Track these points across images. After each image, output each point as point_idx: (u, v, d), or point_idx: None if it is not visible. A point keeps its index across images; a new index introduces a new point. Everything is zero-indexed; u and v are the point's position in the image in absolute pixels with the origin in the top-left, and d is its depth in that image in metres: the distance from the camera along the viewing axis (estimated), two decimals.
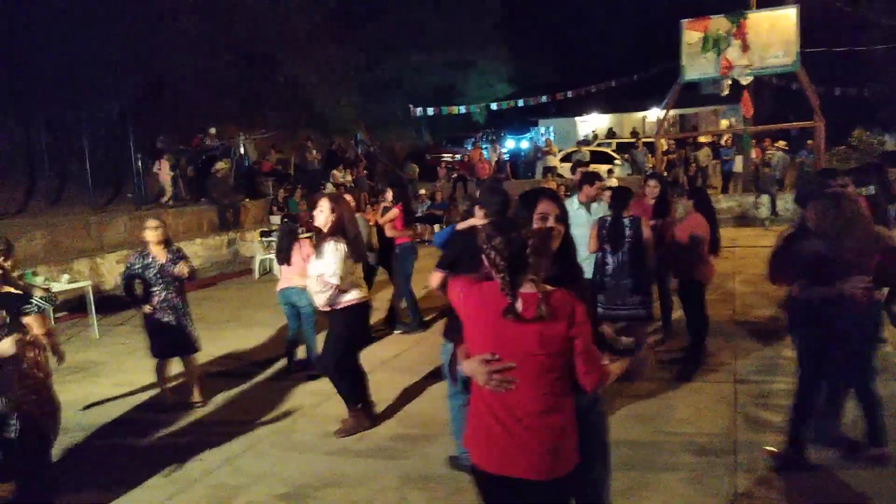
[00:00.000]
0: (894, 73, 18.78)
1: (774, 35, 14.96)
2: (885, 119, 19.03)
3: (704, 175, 18.16)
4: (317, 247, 4.48)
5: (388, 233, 7.13)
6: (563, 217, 2.52)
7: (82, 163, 12.55)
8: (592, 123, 28.67)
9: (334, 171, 17.31)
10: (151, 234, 5.02)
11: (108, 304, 8.75)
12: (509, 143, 28.81)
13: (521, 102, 19.55)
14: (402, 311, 7.39)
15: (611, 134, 26.38)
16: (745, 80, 15.29)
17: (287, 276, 5.72)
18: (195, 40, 16.23)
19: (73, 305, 8.64)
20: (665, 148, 18.40)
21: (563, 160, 20.22)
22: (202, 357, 6.33)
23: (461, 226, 3.93)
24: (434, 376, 5.64)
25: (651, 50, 21.16)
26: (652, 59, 19.46)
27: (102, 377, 6.08)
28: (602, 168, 16.56)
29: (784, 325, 4.99)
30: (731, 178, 17.52)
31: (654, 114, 24.50)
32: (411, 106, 20.05)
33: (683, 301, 5.81)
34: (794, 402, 3.82)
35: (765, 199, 15.55)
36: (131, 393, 5.59)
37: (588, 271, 4.92)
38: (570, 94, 19.05)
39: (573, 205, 5.40)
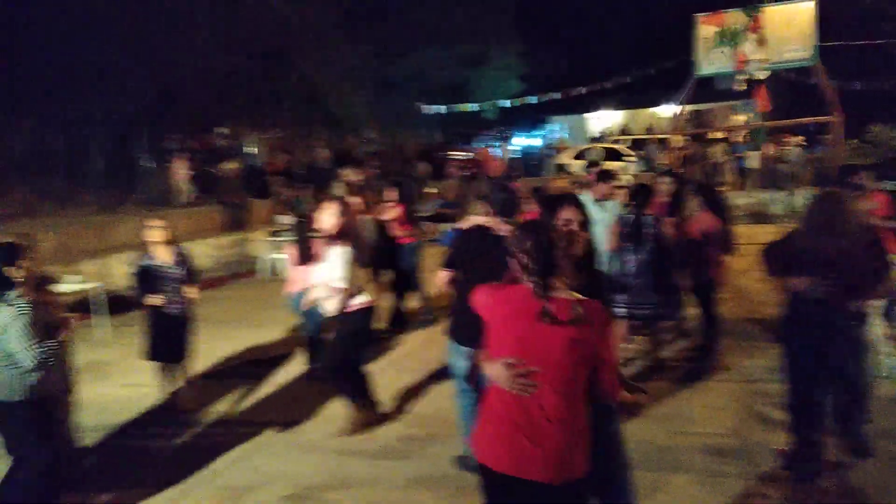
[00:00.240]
0: None
1: (791, 29, 14.74)
2: None
3: (719, 171, 17.92)
4: (325, 250, 4.42)
5: (392, 232, 7.08)
6: (586, 224, 2.51)
7: (92, 164, 12.61)
8: (605, 120, 28.46)
9: (344, 171, 17.28)
10: (155, 233, 4.95)
11: (118, 304, 8.76)
12: (521, 141, 28.67)
13: (532, 100, 19.47)
14: (417, 310, 7.37)
15: (624, 131, 26.17)
16: (761, 75, 15.08)
17: (300, 279, 5.65)
18: (207, 40, 16.29)
19: (83, 306, 8.66)
20: (679, 144, 18.20)
21: (575, 157, 20.08)
22: (209, 358, 6.35)
23: (463, 225, 3.92)
24: (440, 377, 5.57)
25: (664, 45, 20.94)
26: (665, 54, 19.26)
27: (111, 378, 6.08)
28: (615, 165, 16.42)
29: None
30: (747, 175, 17.28)
31: (667, 110, 24.27)
32: (422, 104, 20.04)
33: (697, 300, 5.69)
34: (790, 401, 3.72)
35: (780, 195, 15.31)
36: (140, 393, 5.57)
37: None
38: (582, 90, 18.93)
39: (587, 202, 5.33)
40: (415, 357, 6.29)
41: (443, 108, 19.47)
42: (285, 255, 7.37)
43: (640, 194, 5.20)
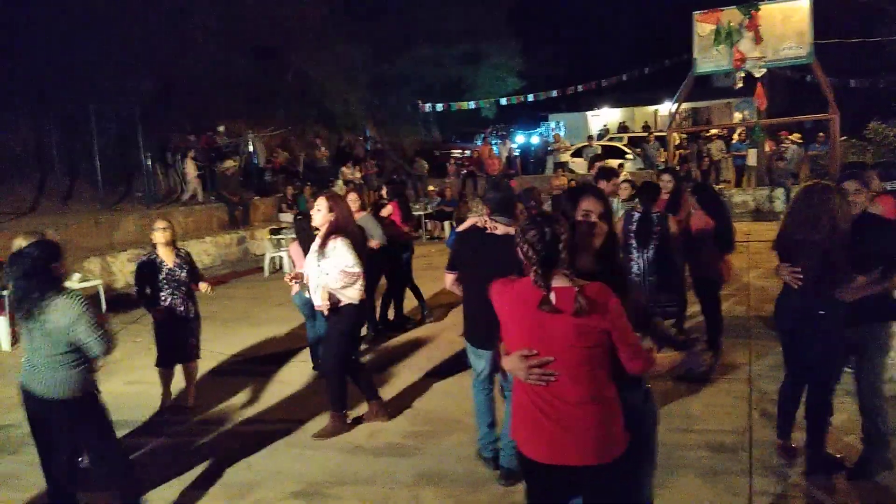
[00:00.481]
0: None
1: (788, 26, 14.76)
2: None
3: (717, 169, 17.97)
4: (321, 247, 4.43)
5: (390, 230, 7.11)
6: (606, 215, 2.50)
7: (92, 161, 12.59)
8: (603, 118, 28.48)
9: (343, 168, 17.31)
10: (160, 235, 4.97)
11: (120, 302, 8.77)
12: (519, 139, 28.68)
13: (531, 97, 19.45)
14: (415, 308, 7.41)
15: (622, 128, 26.18)
16: (758, 73, 15.10)
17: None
18: (206, 38, 16.25)
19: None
20: (677, 142, 18.23)
21: (574, 155, 20.10)
22: (214, 355, 6.37)
23: (460, 227, 3.96)
24: (443, 374, 5.61)
25: (662, 43, 20.96)
26: (663, 52, 19.27)
27: (114, 375, 6.08)
28: (613, 163, 16.45)
29: None
30: (745, 172, 17.33)
31: (666, 107, 24.28)
32: (420, 102, 20.00)
33: (699, 298, 5.72)
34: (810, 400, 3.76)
35: (779, 192, 15.36)
36: (143, 391, 5.59)
37: None
38: (580, 88, 18.92)
39: None
40: (419, 355, 6.32)
41: (440, 106, 19.41)
42: (287, 252, 7.41)
43: (647, 191, 5.22)
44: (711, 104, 26.31)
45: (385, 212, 7.30)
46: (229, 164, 14.17)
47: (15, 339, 7.49)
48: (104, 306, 7.91)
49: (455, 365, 5.65)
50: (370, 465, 4.11)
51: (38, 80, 12.90)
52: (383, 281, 7.25)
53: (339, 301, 4.44)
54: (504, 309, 2.35)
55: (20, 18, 12.71)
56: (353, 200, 6.71)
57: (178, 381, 5.30)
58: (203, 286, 5.15)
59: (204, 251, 12.20)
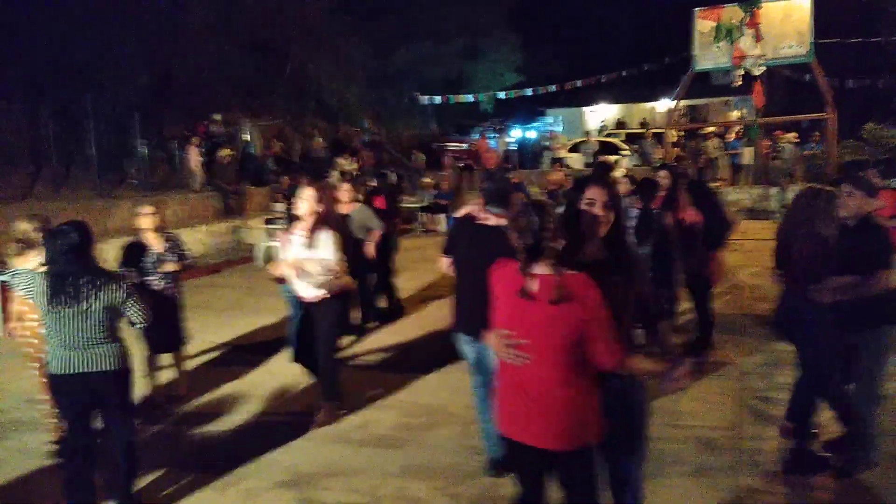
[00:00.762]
0: None
1: (788, 25, 14.74)
2: None
3: (714, 167, 17.97)
4: (311, 238, 4.41)
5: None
6: (611, 204, 2.50)
7: (87, 148, 12.51)
8: (601, 113, 28.45)
9: (339, 160, 17.25)
10: (146, 220, 4.89)
11: None
12: (516, 133, 28.62)
13: (529, 91, 19.40)
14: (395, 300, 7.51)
15: (620, 124, 26.16)
16: (757, 71, 15.09)
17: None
18: (203, 27, 16.14)
19: None
20: (674, 139, 18.22)
21: (571, 150, 20.07)
22: (203, 345, 6.35)
23: (457, 214, 3.98)
24: (436, 366, 5.60)
25: (661, 39, 20.91)
26: (662, 48, 19.23)
27: None
28: (610, 159, 16.43)
29: None
30: (741, 171, 17.34)
31: (663, 104, 24.28)
32: (418, 94, 19.94)
33: (691, 295, 5.72)
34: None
35: (774, 191, 15.37)
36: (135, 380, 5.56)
37: None
38: (578, 83, 18.89)
39: None
40: (408, 348, 6.32)
41: (439, 99, 19.36)
42: (279, 242, 7.37)
43: (647, 188, 5.20)
44: (709, 102, 26.32)
45: (374, 204, 7.30)
46: (225, 153, 14.11)
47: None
48: None
49: (446, 357, 5.64)
50: (359, 457, 4.11)
51: (34, 67, 12.80)
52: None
53: (331, 292, 4.43)
54: (495, 289, 2.47)
55: (17, 7, 12.59)
56: (346, 191, 6.69)
57: (167, 371, 5.27)
58: (171, 265, 4.92)
59: (198, 240, 12.15)
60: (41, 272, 3.33)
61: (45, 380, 4.10)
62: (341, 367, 4.88)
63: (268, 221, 11.96)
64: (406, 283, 8.75)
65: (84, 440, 3.36)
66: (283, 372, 5.66)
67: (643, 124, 24.46)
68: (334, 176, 15.28)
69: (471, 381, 3.89)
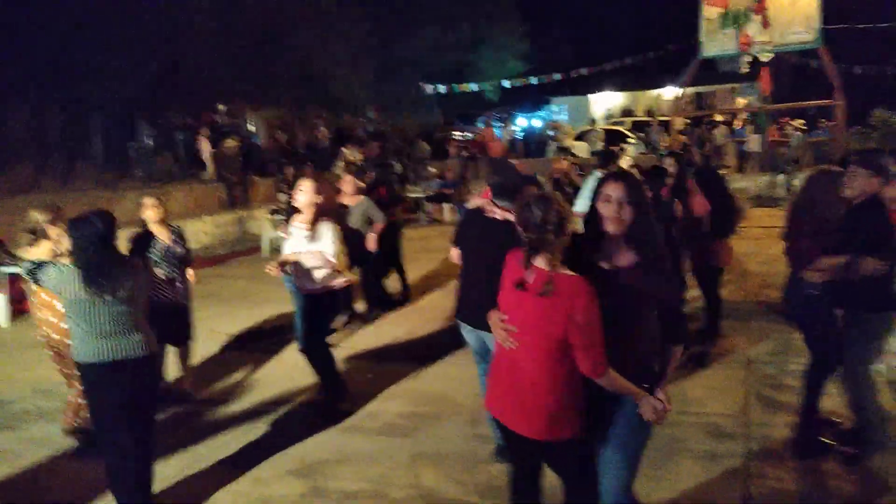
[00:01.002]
0: None
1: (795, 11, 14.61)
2: None
3: (720, 154, 17.89)
4: (311, 230, 4.40)
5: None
6: (632, 201, 2.36)
7: (92, 140, 12.52)
8: (607, 101, 28.28)
9: (344, 150, 17.21)
10: (151, 212, 4.83)
11: None
12: (522, 122, 28.49)
13: (534, 80, 19.30)
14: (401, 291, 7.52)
15: (626, 112, 26.00)
16: (764, 57, 14.97)
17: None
18: (207, 15, 16.06)
19: None
20: (681, 126, 18.12)
21: (576, 138, 19.98)
22: (213, 334, 6.36)
23: (469, 205, 3.98)
24: (444, 355, 5.61)
25: (666, 27, 20.76)
26: (668, 35, 19.09)
27: None
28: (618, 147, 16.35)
29: None
30: (748, 158, 17.24)
31: (669, 92, 24.11)
32: (423, 84, 19.86)
33: (699, 282, 5.70)
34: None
35: (781, 178, 15.29)
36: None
37: None
38: (584, 71, 18.78)
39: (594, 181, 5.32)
40: (416, 335, 6.32)
41: (443, 88, 19.28)
42: (283, 233, 7.37)
43: (657, 176, 5.17)
44: (715, 89, 26.13)
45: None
46: (230, 143, 14.10)
47: (14, 316, 7.49)
48: None
49: (452, 347, 5.65)
50: (369, 445, 4.12)
51: (39, 61, 12.78)
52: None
53: (330, 283, 4.44)
54: (504, 275, 2.53)
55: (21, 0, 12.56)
56: (348, 183, 6.66)
57: (173, 365, 5.29)
58: (190, 273, 5.00)
59: (202, 230, 12.18)
60: (67, 264, 3.30)
61: (67, 371, 4.14)
62: (334, 358, 4.88)
63: (273, 212, 11.96)
64: (411, 273, 8.76)
65: (133, 428, 3.32)
66: (290, 361, 5.68)
67: (649, 112, 24.31)
68: (339, 166, 15.26)
69: (477, 370, 3.89)
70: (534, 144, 22.26)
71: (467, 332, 3.78)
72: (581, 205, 6.20)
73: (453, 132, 22.97)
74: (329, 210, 4.50)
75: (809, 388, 3.77)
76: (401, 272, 7.55)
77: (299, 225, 4.51)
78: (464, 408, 4.57)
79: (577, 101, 28.24)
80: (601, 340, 2.29)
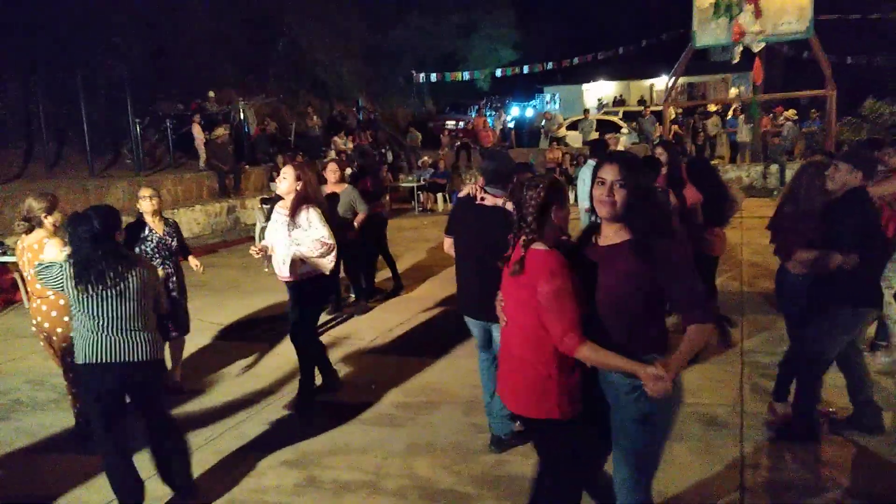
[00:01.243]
0: None
1: (787, 1, 14.57)
2: None
3: (713, 145, 17.91)
4: (292, 217, 4.34)
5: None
6: (626, 183, 2.29)
7: (80, 127, 12.35)
8: (599, 91, 28.24)
9: (335, 138, 17.10)
10: (147, 204, 4.76)
11: None
12: (514, 111, 28.42)
13: (526, 69, 19.20)
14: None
15: (619, 102, 25.97)
16: (756, 47, 14.96)
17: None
18: (197, 4, 15.87)
19: None
20: (673, 116, 18.11)
21: (569, 128, 19.95)
22: (205, 325, 6.32)
23: (460, 193, 3.97)
24: (438, 346, 5.59)
25: (660, 17, 20.71)
26: (660, 25, 19.03)
27: None
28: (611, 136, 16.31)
29: None
30: (740, 148, 17.27)
31: (662, 81, 24.09)
32: (414, 72, 19.72)
33: None
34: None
35: (774, 168, 15.33)
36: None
37: None
38: (576, 60, 18.70)
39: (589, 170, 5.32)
40: (409, 326, 6.30)
41: (435, 77, 19.15)
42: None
43: (650, 166, 5.15)
44: (708, 79, 26.13)
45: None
46: (220, 132, 13.96)
47: (4, 306, 7.41)
48: None
49: (446, 337, 5.64)
50: (363, 436, 4.11)
51: (25, 44, 12.58)
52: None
53: (312, 271, 4.39)
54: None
55: None
56: (332, 171, 6.59)
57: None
58: (193, 262, 4.99)
59: (194, 220, 12.09)
60: (64, 262, 3.23)
61: (61, 362, 4.10)
62: (324, 347, 4.86)
63: (263, 201, 11.88)
64: (405, 263, 8.74)
65: (117, 432, 3.24)
66: (284, 351, 5.64)
67: (642, 102, 24.29)
68: (330, 155, 15.17)
69: (479, 361, 3.88)
70: (526, 134, 22.21)
71: (472, 323, 3.77)
72: (583, 194, 6.20)
73: (446, 121, 22.88)
74: (310, 197, 4.41)
75: (799, 374, 3.82)
76: (390, 264, 7.51)
77: (280, 211, 4.47)
78: (458, 398, 4.56)
79: (569, 90, 28.20)
80: (570, 314, 2.28)
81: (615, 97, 27.25)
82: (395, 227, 11.73)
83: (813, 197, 3.66)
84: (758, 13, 14.65)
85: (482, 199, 3.60)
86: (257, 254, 4.42)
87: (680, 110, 19.79)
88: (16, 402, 4.82)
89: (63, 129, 13.23)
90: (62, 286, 3.20)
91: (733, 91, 23.78)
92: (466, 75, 20.22)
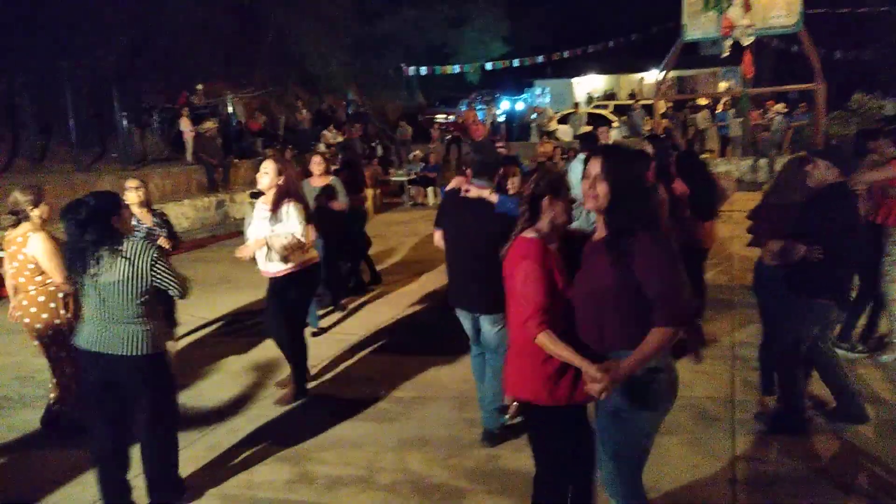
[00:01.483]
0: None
1: None
2: (885, 83, 18.78)
3: (702, 138, 17.95)
4: (274, 211, 4.31)
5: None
6: (608, 176, 2.28)
7: (66, 120, 12.21)
8: (589, 84, 28.23)
9: (325, 132, 17.01)
10: (134, 195, 4.73)
11: None
12: (504, 105, 28.37)
13: (516, 62, 19.20)
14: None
15: (609, 95, 25.99)
16: (746, 41, 15.00)
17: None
18: None
19: None
20: (663, 110, 18.15)
21: (559, 122, 19.95)
22: (195, 319, 6.28)
23: (448, 186, 3.97)
24: (426, 341, 5.59)
25: (650, 10, 20.71)
26: (651, 18, 19.04)
27: None
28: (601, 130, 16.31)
29: None
30: (730, 142, 17.34)
31: (652, 75, 24.12)
32: (404, 65, 19.68)
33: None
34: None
35: (763, 162, 15.40)
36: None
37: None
38: (566, 54, 18.71)
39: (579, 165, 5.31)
40: (396, 321, 6.29)
41: (425, 70, 19.11)
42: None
43: (641, 158, 5.14)
44: (697, 73, 26.18)
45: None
46: (208, 125, 13.85)
47: None
48: None
49: (436, 331, 5.63)
50: (355, 430, 4.10)
51: (8, 35, 12.41)
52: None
53: (299, 265, 4.37)
54: None
55: None
56: (317, 164, 6.55)
57: None
58: (163, 241, 4.81)
59: (182, 214, 11.99)
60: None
61: (45, 353, 4.07)
62: (306, 345, 4.78)
63: (253, 195, 11.79)
64: (394, 257, 8.72)
65: (111, 429, 3.18)
66: (273, 346, 5.61)
67: (632, 95, 24.32)
68: (320, 149, 15.09)
69: (472, 354, 3.88)
70: (517, 128, 22.20)
71: (462, 315, 3.77)
72: (573, 188, 6.18)
73: (436, 115, 22.82)
74: (291, 191, 4.39)
75: (781, 366, 3.88)
76: (367, 259, 7.50)
77: (262, 206, 4.44)
78: (449, 392, 4.56)
79: (560, 84, 28.15)
80: (536, 300, 2.37)
81: (605, 91, 27.27)
82: (386, 222, 11.70)
83: (793, 190, 3.73)
84: (747, 7, 14.69)
85: (466, 190, 3.60)
86: (244, 259, 4.39)
87: (670, 104, 19.82)
88: (4, 399, 4.77)
89: (48, 122, 13.08)
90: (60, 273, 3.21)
91: (723, 85, 23.85)
92: (457, 68, 20.18)
